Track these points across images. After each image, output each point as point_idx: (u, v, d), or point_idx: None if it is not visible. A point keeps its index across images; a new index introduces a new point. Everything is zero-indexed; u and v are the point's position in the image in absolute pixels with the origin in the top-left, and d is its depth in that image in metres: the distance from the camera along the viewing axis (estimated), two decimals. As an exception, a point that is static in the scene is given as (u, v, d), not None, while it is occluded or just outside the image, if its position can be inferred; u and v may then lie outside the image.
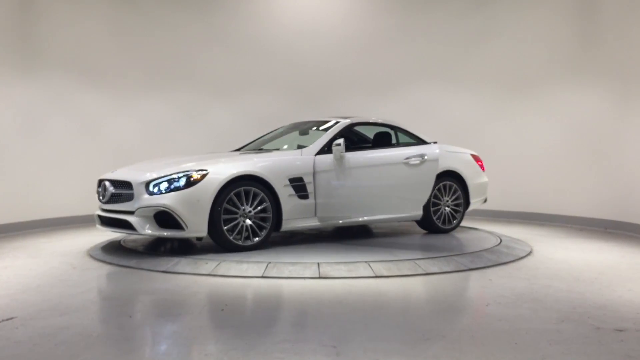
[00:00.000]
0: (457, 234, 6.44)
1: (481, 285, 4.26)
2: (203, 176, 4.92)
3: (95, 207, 5.61)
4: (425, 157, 5.91)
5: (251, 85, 9.06)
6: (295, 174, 5.38)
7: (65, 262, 5.00)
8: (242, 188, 5.06)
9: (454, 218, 6.57)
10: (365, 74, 9.08)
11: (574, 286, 4.12)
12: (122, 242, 5.76)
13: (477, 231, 6.73)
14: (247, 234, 5.12)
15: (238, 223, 5.07)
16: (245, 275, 4.34)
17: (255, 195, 5.14)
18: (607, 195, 7.38)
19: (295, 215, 5.40)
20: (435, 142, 6.33)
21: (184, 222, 4.84)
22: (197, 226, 4.88)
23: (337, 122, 6.09)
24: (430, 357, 2.67)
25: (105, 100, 8.25)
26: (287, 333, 3.05)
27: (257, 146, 6.46)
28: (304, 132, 6.50)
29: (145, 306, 3.66)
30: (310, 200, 5.46)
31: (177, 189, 4.86)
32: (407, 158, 5.88)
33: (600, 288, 4.07)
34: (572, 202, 7.87)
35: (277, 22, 9.11)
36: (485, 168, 7.07)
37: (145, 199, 4.90)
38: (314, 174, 5.49)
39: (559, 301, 3.69)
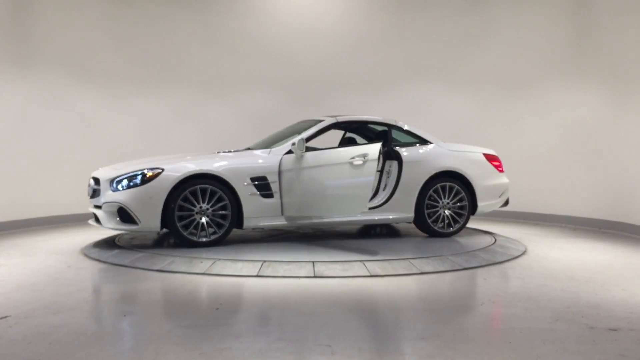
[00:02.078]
0: (452, 233, 6.43)
1: (476, 284, 4.27)
2: (157, 174, 5.17)
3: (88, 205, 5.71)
4: (367, 157, 5.32)
5: (247, 84, 9.04)
6: (258, 173, 5.43)
7: (60, 260, 4.99)
8: (198, 186, 5.22)
9: (456, 221, 6.16)
10: (361, 73, 9.07)
11: (568, 285, 4.13)
12: (116, 241, 5.74)
13: (472, 231, 6.73)
14: (211, 229, 5.29)
15: (194, 220, 5.23)
16: (240, 275, 4.34)
17: (213, 194, 5.28)
18: (602, 195, 7.41)
19: (259, 214, 5.44)
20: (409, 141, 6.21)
21: (137, 218, 5.13)
22: (149, 221, 5.14)
23: (320, 121, 6.06)
24: (425, 356, 2.68)
25: (101, 98, 8.22)
26: (282, 332, 3.05)
27: (264, 144, 6.43)
28: (299, 131, 6.50)
29: (140, 305, 3.65)
30: (276, 200, 5.47)
31: (134, 186, 5.17)
32: (352, 158, 5.37)
33: (594, 287, 4.08)
34: (566, 202, 7.89)
35: (273, 21, 9.10)
36: (504, 169, 6.58)
37: (108, 195, 5.25)
38: (280, 173, 5.49)
39: (553, 300, 3.71)
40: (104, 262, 4.89)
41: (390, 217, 5.96)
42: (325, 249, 5.29)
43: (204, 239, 5.26)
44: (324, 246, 5.48)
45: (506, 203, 6.65)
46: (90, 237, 6.17)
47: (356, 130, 6.79)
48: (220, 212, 5.32)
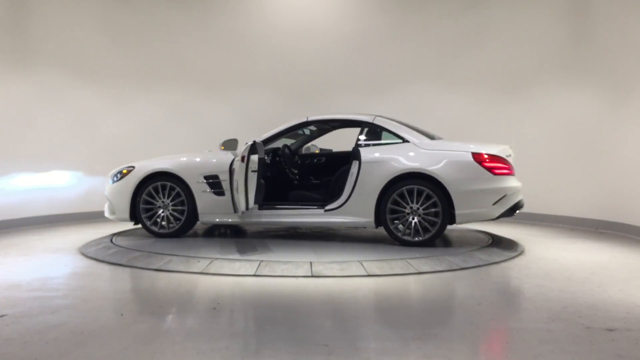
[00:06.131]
0: (449, 233, 6.42)
1: (473, 284, 4.27)
2: (129, 172, 5.88)
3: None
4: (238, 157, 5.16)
5: (245, 84, 9.04)
6: (211, 171, 5.70)
7: (57, 259, 4.98)
8: (159, 183, 5.78)
9: (428, 230, 5.35)
10: (358, 73, 9.07)
11: (565, 286, 4.14)
12: (113, 240, 5.74)
13: (468, 231, 6.74)
14: (171, 222, 5.79)
15: (156, 212, 5.83)
16: (237, 274, 4.34)
17: (173, 189, 5.78)
18: (599, 195, 7.42)
19: (213, 210, 5.72)
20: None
21: (114, 209, 5.95)
22: (121, 213, 5.90)
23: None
24: (422, 356, 2.68)
25: (98, 98, 8.20)
26: (279, 332, 3.05)
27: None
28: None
29: (137, 304, 3.65)
30: (227, 197, 5.63)
31: (116, 181, 5.94)
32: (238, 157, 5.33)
33: (591, 288, 4.09)
34: (563, 202, 7.90)
35: (272, 21, 9.09)
36: (511, 171, 5.63)
37: (106, 188, 6.09)
38: (231, 172, 5.59)
39: (550, 300, 3.71)
40: (101, 261, 4.88)
41: (347, 220, 5.51)
42: (323, 249, 5.29)
43: (163, 231, 5.80)
44: (321, 246, 5.48)
45: (511, 211, 5.58)
46: (87, 236, 6.16)
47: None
48: (179, 207, 5.78)
